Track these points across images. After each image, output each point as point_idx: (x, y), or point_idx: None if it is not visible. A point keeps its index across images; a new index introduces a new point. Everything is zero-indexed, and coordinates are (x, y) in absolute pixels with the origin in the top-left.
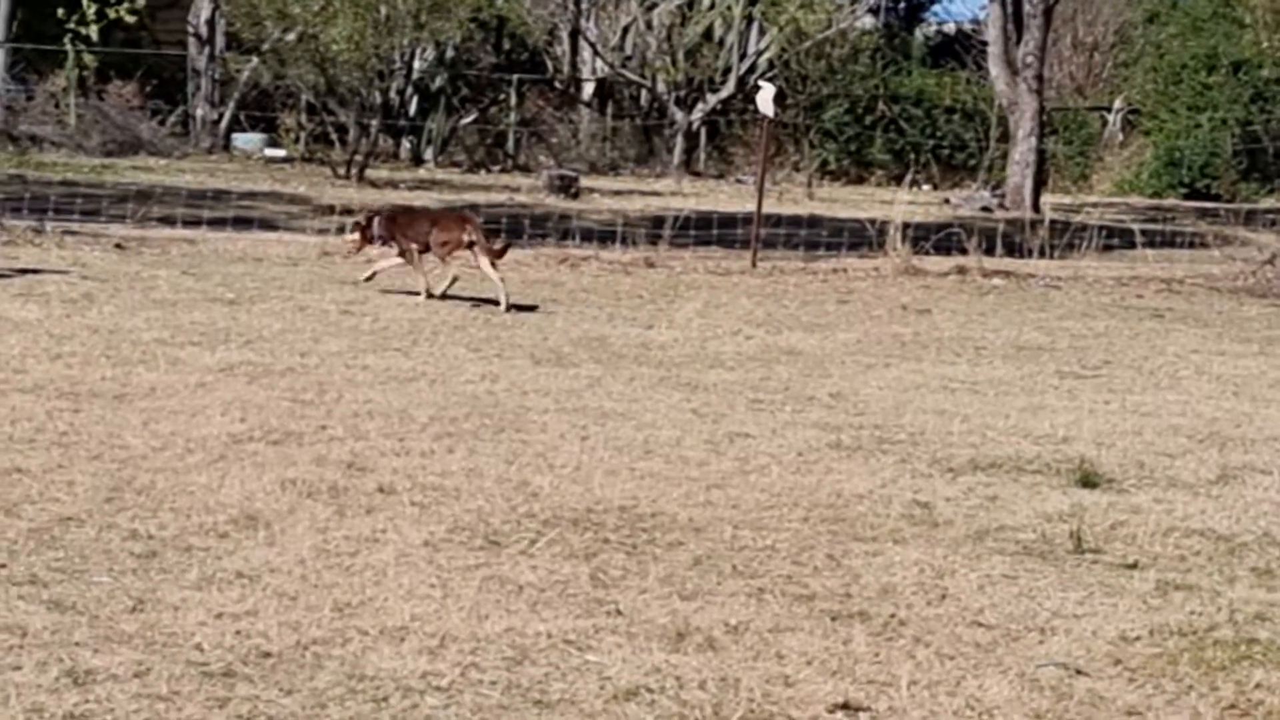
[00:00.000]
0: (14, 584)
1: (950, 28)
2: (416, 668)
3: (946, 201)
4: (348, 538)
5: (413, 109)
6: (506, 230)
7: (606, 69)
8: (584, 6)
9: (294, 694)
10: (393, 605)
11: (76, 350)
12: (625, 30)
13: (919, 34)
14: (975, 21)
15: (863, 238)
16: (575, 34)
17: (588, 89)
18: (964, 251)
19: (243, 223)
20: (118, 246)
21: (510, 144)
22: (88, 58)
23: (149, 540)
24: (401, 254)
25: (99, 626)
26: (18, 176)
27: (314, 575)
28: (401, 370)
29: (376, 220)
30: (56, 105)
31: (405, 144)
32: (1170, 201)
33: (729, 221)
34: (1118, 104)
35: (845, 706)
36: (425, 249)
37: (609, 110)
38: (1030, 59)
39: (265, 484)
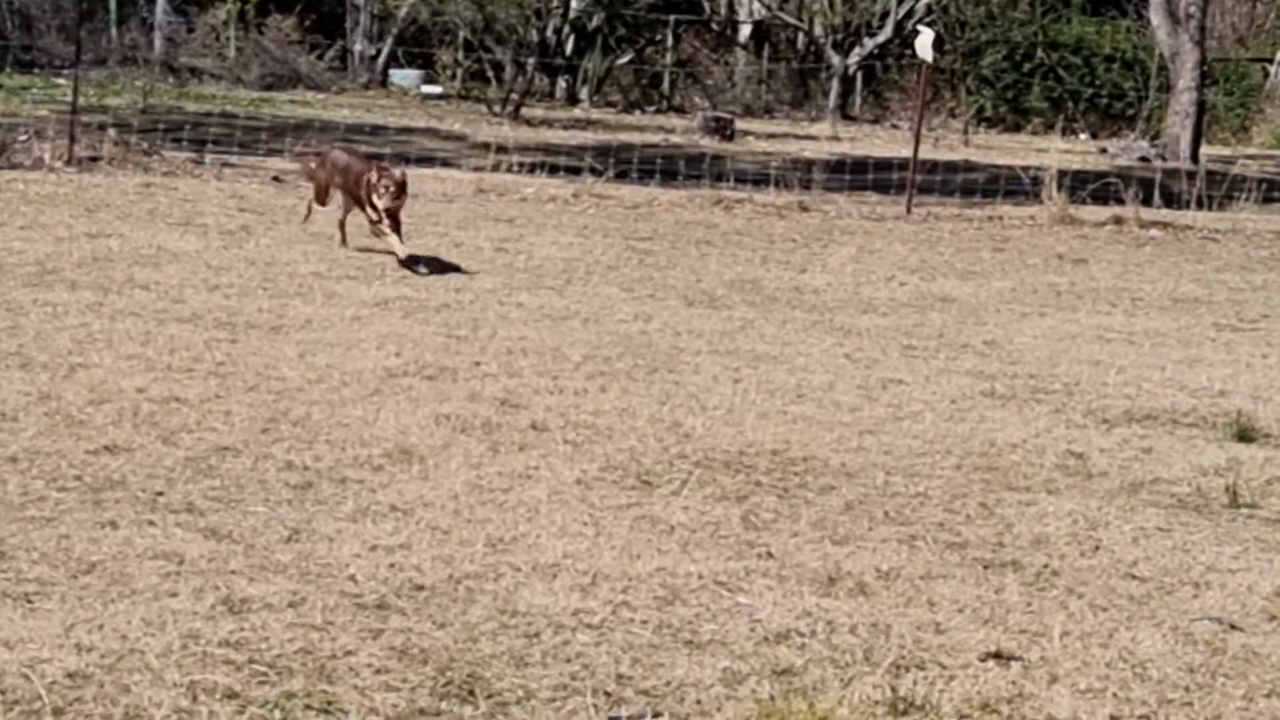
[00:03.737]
0: (171, 511)
1: None
2: (568, 605)
3: (1104, 151)
4: (501, 474)
5: (569, 48)
6: (661, 171)
7: (763, 11)
8: None
9: (446, 627)
10: (545, 542)
11: (234, 282)
12: None
13: None
14: None
15: (1019, 185)
16: None
17: (744, 31)
18: (1121, 202)
19: (399, 158)
20: (275, 179)
21: (666, 85)
22: None
23: (304, 471)
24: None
25: (254, 556)
26: (177, 108)
27: (467, 510)
28: (555, 308)
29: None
30: (217, 38)
31: (561, 83)
32: None
33: (884, 166)
34: None
35: (997, 655)
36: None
37: (765, 53)
38: (1193, 9)
39: (420, 418)
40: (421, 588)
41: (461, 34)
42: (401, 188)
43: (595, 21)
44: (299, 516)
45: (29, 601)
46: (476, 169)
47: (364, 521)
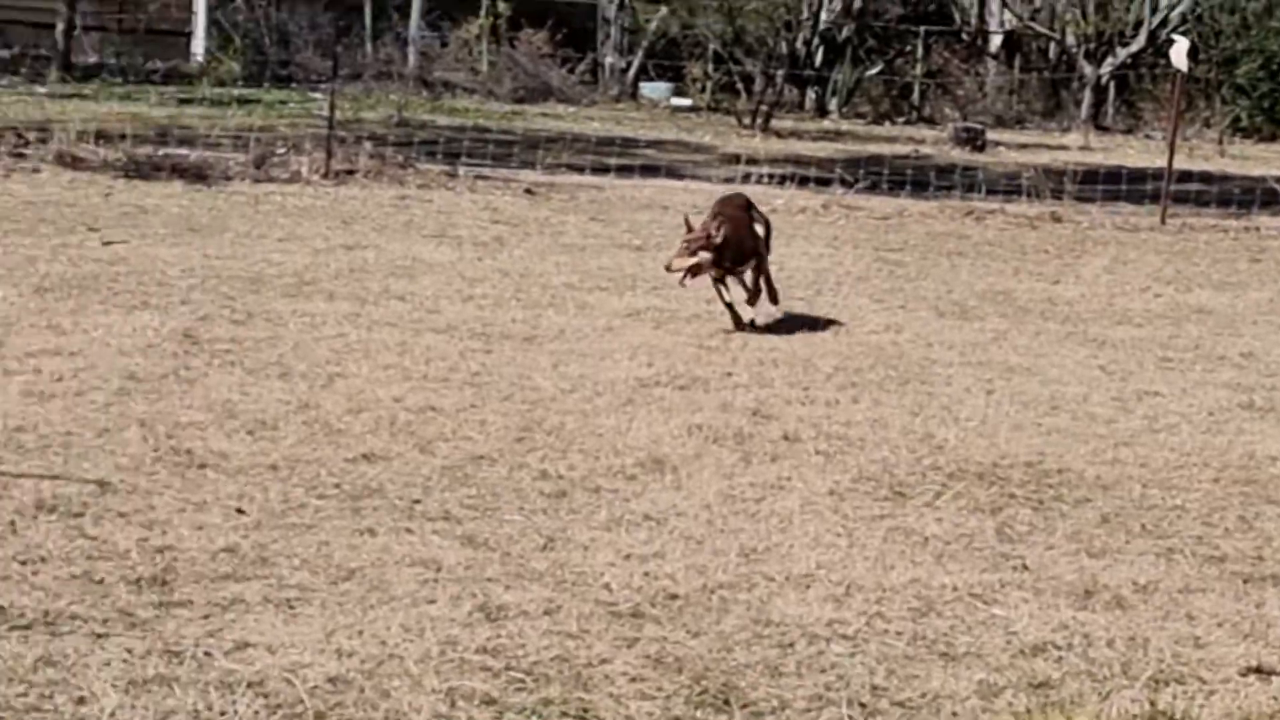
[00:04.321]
0: (429, 519)
1: None
2: (822, 615)
3: None
4: (753, 484)
5: (818, 59)
6: (911, 183)
7: (1015, 21)
8: None
9: (700, 636)
10: (798, 552)
11: (488, 292)
12: None
13: None
14: None
15: (1276, 196)
16: None
17: (995, 41)
18: None
19: (649, 170)
20: (528, 192)
21: (915, 96)
22: (501, 6)
23: (558, 480)
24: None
25: (510, 563)
26: (431, 121)
27: (720, 520)
28: (805, 319)
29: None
30: (470, 52)
31: (810, 95)
32: None
33: (1138, 177)
34: None
35: (1258, 670)
36: None
37: (1016, 63)
38: None
39: (672, 428)
40: (675, 596)
41: (711, 46)
42: (707, 243)
43: (845, 33)
44: (554, 525)
45: (290, 607)
46: (726, 180)
47: (618, 530)
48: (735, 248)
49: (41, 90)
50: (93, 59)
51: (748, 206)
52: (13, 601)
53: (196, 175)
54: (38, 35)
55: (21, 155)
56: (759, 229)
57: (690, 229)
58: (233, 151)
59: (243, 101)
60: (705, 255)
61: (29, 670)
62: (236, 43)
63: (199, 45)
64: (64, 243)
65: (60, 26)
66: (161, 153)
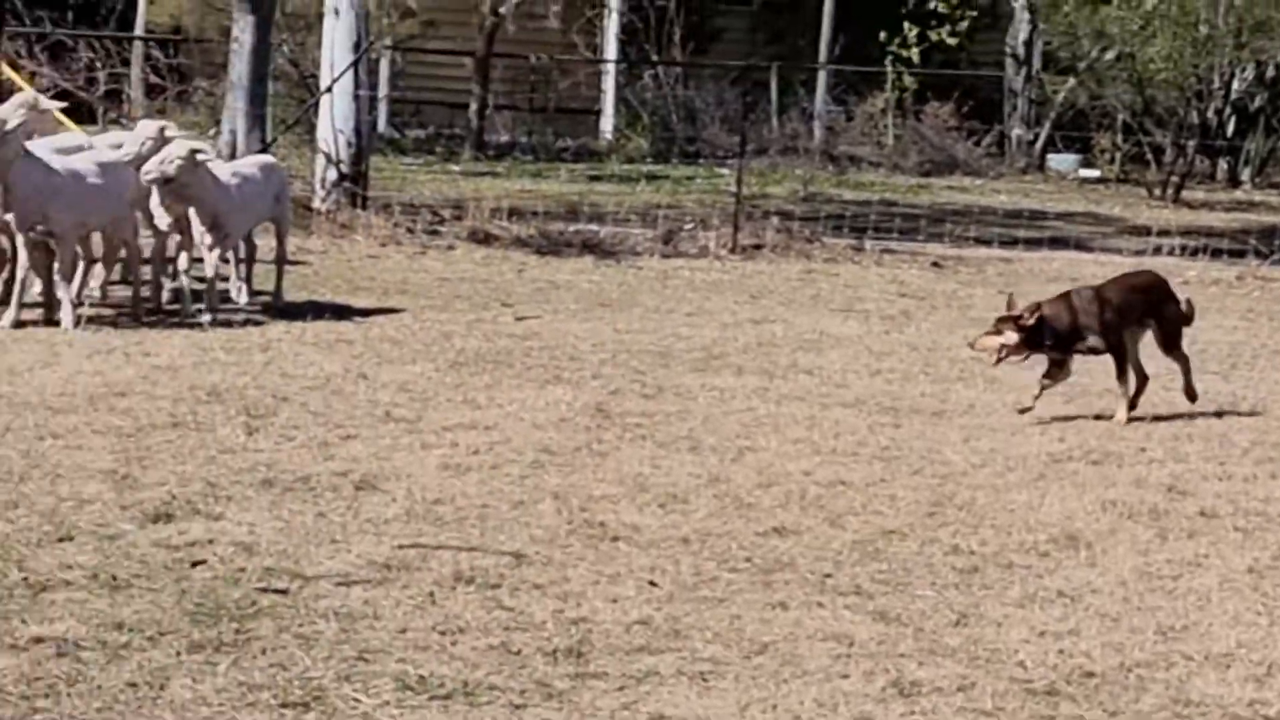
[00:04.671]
0: (840, 594)
1: None
2: (1243, 695)
3: None
4: (1169, 561)
5: (1230, 129)
6: None
7: None
8: None
9: (1118, 716)
10: (1217, 631)
11: (895, 366)
12: None
13: None
14: None
15: None
16: None
17: None
18: None
19: (1057, 242)
20: (935, 265)
21: None
22: (907, 79)
23: (970, 556)
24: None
25: (923, 639)
26: (836, 195)
27: (1136, 597)
28: (1220, 393)
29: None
30: (875, 126)
31: (1222, 165)
32: None
33: None
34: None
35: None
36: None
37: None
38: None
39: (1085, 504)
40: (1091, 675)
41: (1120, 117)
42: (1016, 324)
43: (1257, 102)
44: (966, 601)
45: (704, 680)
46: (1136, 253)
47: (1031, 607)
48: (1064, 330)
49: (456, 168)
50: (505, 137)
51: (1147, 287)
52: (433, 671)
53: (606, 251)
54: (452, 115)
55: (437, 232)
56: (1172, 308)
57: (1011, 308)
58: (641, 227)
59: (651, 178)
60: (1012, 336)
61: None
62: (644, 120)
63: (607, 123)
64: (478, 318)
65: (474, 106)
66: (572, 229)
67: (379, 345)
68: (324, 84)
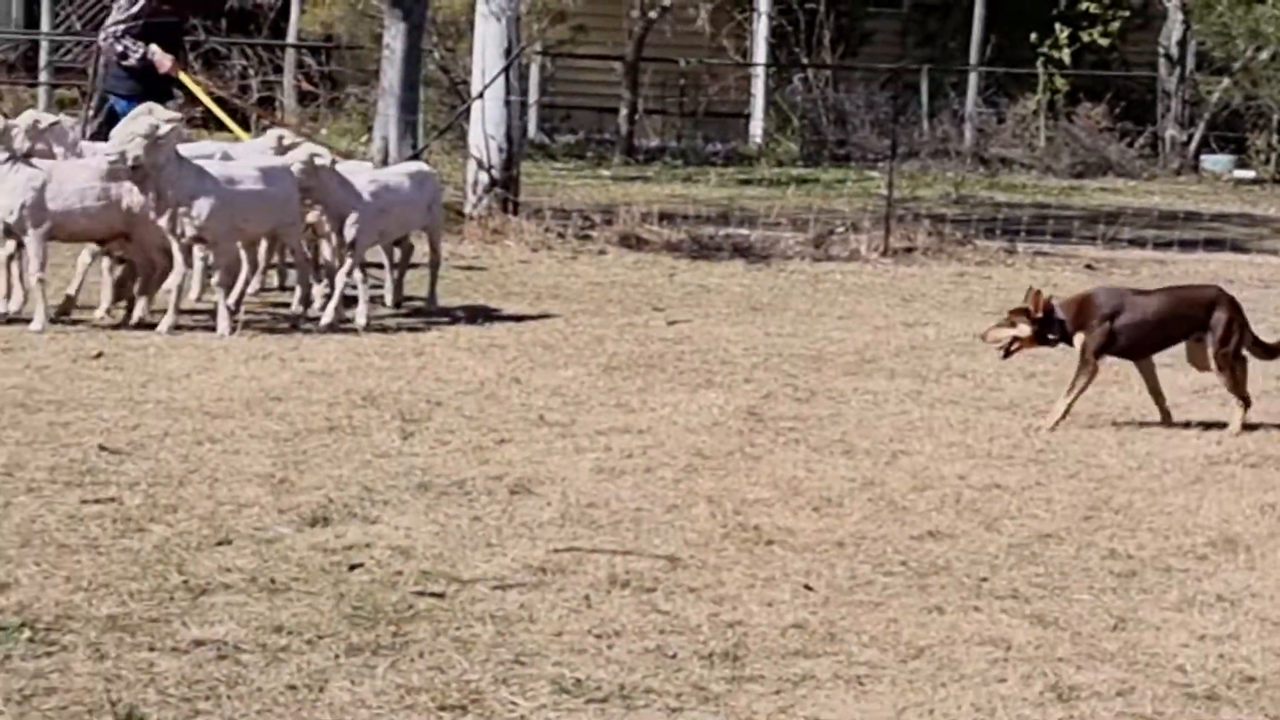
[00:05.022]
0: (996, 597)
1: None
2: None
3: None
4: None
5: None
6: None
7: None
8: None
9: None
10: None
11: (1050, 369)
12: None
13: None
14: None
15: None
16: None
17: None
18: None
19: (1213, 244)
20: (1088, 267)
21: None
22: (1059, 80)
23: (1127, 559)
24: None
25: (1081, 643)
26: (988, 198)
27: None
28: None
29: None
30: (1026, 128)
31: None
32: None
33: None
34: None
35: None
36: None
37: None
38: None
39: (1243, 507)
40: (1252, 679)
41: (1276, 117)
42: (1028, 317)
43: None
44: (1124, 604)
45: (861, 684)
46: None
47: (1190, 611)
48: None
49: (606, 173)
50: (654, 142)
51: (1191, 301)
52: (589, 674)
53: (757, 255)
54: (601, 120)
55: (588, 237)
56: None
57: (1033, 301)
58: (792, 231)
59: (801, 181)
60: (1024, 329)
61: None
62: (794, 123)
63: (757, 126)
64: (630, 322)
65: (623, 111)
66: (723, 233)
67: (532, 350)
68: (475, 90)
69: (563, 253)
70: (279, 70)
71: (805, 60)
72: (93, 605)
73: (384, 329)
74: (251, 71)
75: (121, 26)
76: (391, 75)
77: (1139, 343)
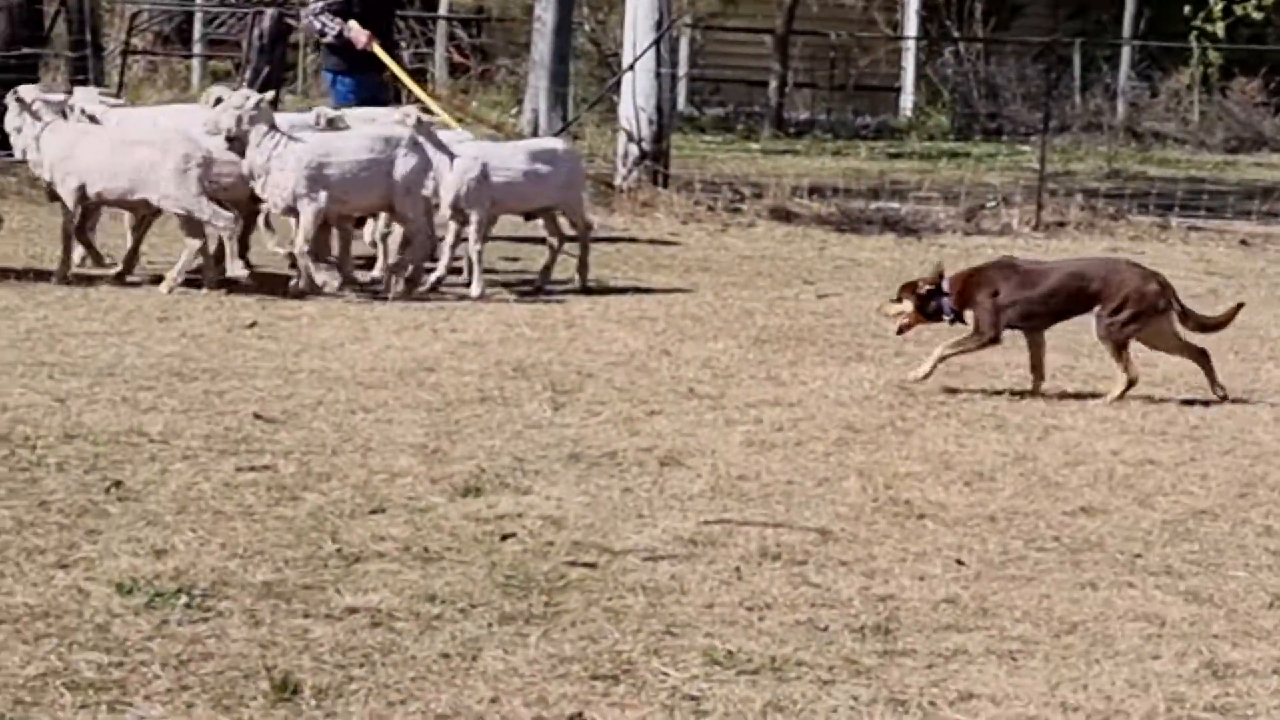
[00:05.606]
0: (1150, 574)
1: None
2: None
3: None
4: None
5: None
6: None
7: None
8: None
9: None
10: None
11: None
12: None
13: None
14: None
15: None
16: None
17: None
18: None
19: None
20: (1242, 243)
21: None
22: (1213, 54)
23: None
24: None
25: (1236, 620)
26: (1141, 172)
27: None
28: None
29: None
30: (1179, 103)
31: None
32: None
33: None
34: None
35: None
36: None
37: None
38: None
39: None
40: None
41: None
42: (914, 291)
43: None
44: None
45: (1013, 659)
46: None
47: None
48: (972, 301)
49: (755, 146)
50: (804, 115)
51: (1086, 275)
52: (740, 646)
53: (907, 228)
54: (751, 93)
55: (737, 210)
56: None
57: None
58: (943, 204)
59: (952, 155)
60: (908, 304)
61: (758, 715)
62: (945, 96)
63: (907, 100)
64: (780, 295)
65: (773, 84)
66: (873, 206)
67: (681, 322)
68: (626, 62)
69: (712, 225)
70: (430, 43)
71: (957, 33)
72: (248, 572)
73: (534, 300)
74: (403, 44)
75: (321, 4)
76: (542, 47)
77: (1029, 316)
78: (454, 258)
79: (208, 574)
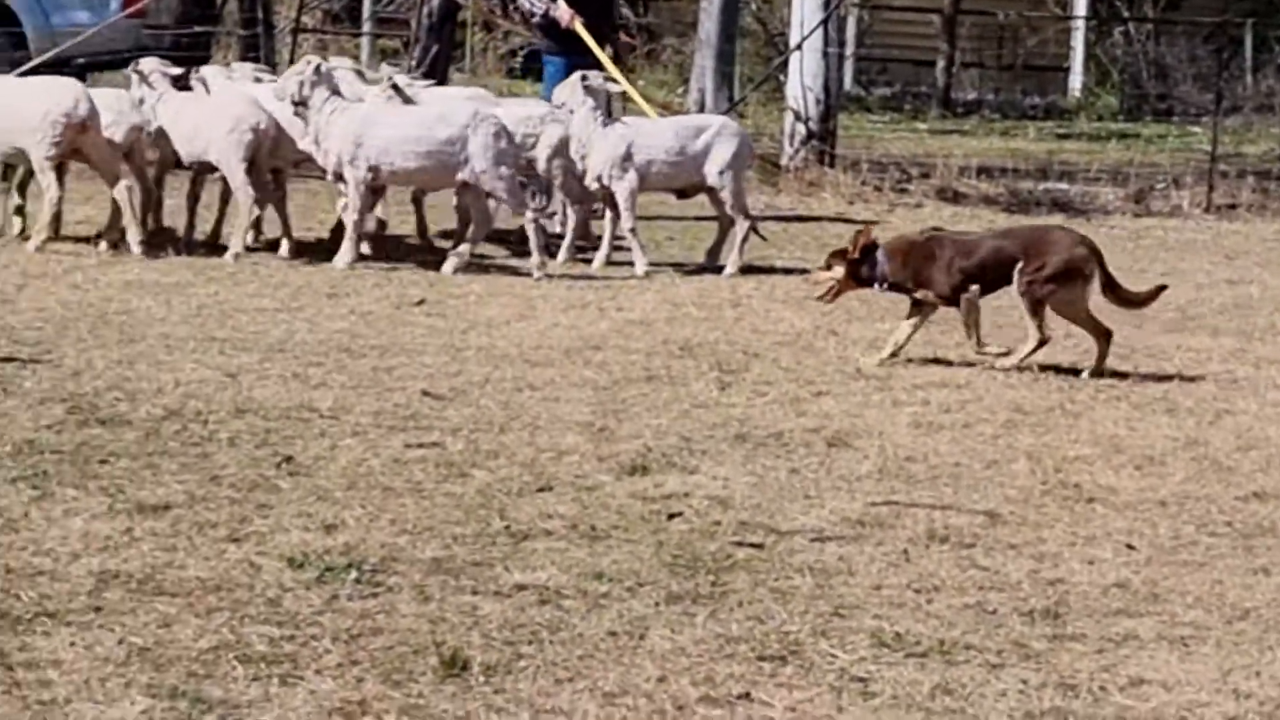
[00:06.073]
0: None
1: None
2: None
3: None
4: None
5: None
6: None
7: None
8: None
9: None
10: None
11: None
12: None
13: None
14: None
15: None
16: None
17: None
18: None
19: None
20: None
21: None
22: None
23: None
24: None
25: None
26: None
27: None
28: None
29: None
30: None
31: None
32: None
33: None
34: None
35: None
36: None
37: None
38: None
39: None
40: None
41: None
42: (843, 258)
43: None
44: None
45: (1184, 645)
46: None
47: None
48: (895, 271)
49: (922, 126)
50: (971, 95)
51: (1011, 242)
52: (908, 629)
53: (1076, 210)
54: (918, 72)
55: (905, 190)
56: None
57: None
58: (1112, 186)
59: (1121, 136)
60: (838, 270)
61: (926, 698)
62: (1114, 77)
63: (1076, 80)
64: None
65: (941, 63)
66: (1041, 187)
67: (848, 302)
68: (793, 41)
69: (879, 206)
70: None
71: (1126, 13)
72: (417, 548)
73: (700, 278)
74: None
75: None
76: (709, 26)
77: (968, 284)
78: (616, 237)
79: (377, 549)
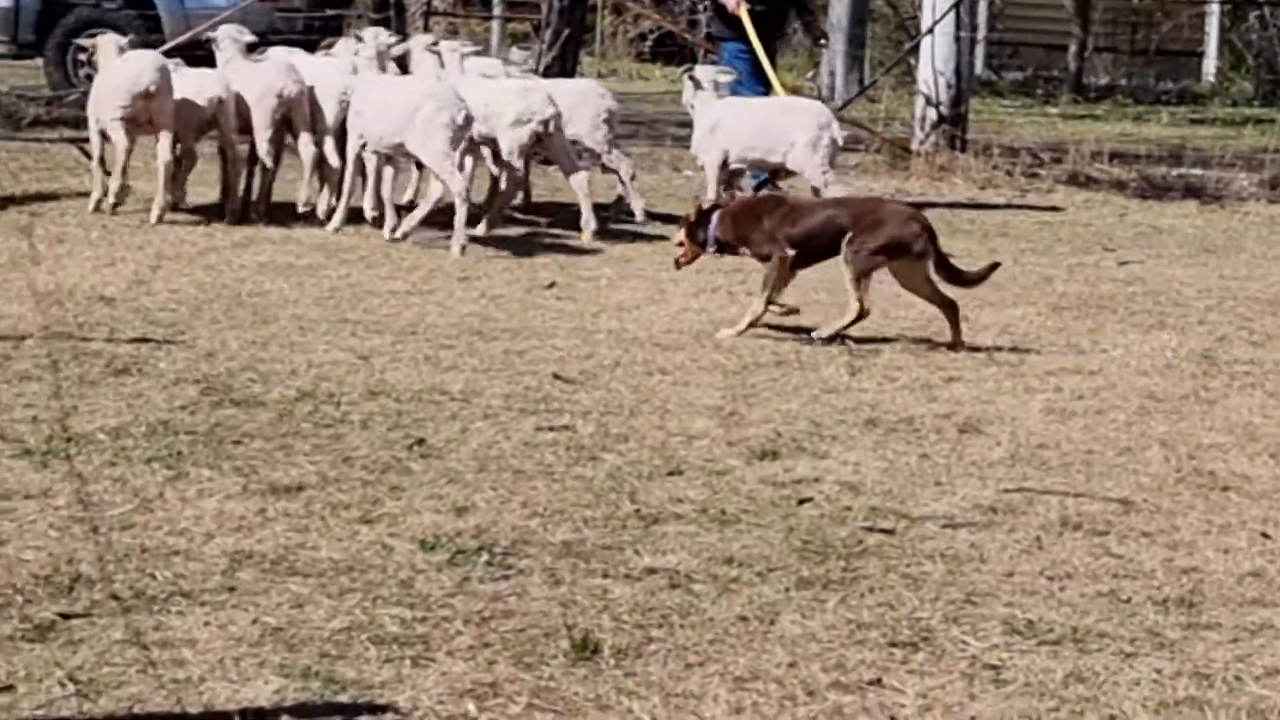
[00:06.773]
0: None
1: None
2: None
3: None
4: None
5: None
6: None
7: None
8: None
9: None
10: None
11: None
12: None
13: None
14: None
15: None
16: None
17: None
18: None
19: None
20: None
21: None
22: None
23: None
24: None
25: None
26: None
27: None
28: None
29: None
30: None
31: None
32: None
33: None
34: None
35: None
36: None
37: None
38: None
39: None
40: None
41: None
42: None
43: None
44: None
45: None
46: None
47: None
48: (726, 234)
49: (1053, 111)
50: (1103, 80)
51: (838, 211)
52: (1041, 616)
53: (1210, 196)
54: (1049, 57)
55: (1036, 175)
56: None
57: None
58: (1247, 171)
59: (1256, 121)
60: (681, 235)
61: (1059, 686)
62: (1249, 62)
63: (1210, 65)
64: (1080, 262)
65: (1073, 48)
66: (1175, 173)
67: (979, 288)
68: (925, 26)
69: (1010, 191)
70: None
71: None
72: (548, 531)
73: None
74: (702, 6)
75: None
76: (839, 10)
77: (795, 248)
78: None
79: (508, 532)
